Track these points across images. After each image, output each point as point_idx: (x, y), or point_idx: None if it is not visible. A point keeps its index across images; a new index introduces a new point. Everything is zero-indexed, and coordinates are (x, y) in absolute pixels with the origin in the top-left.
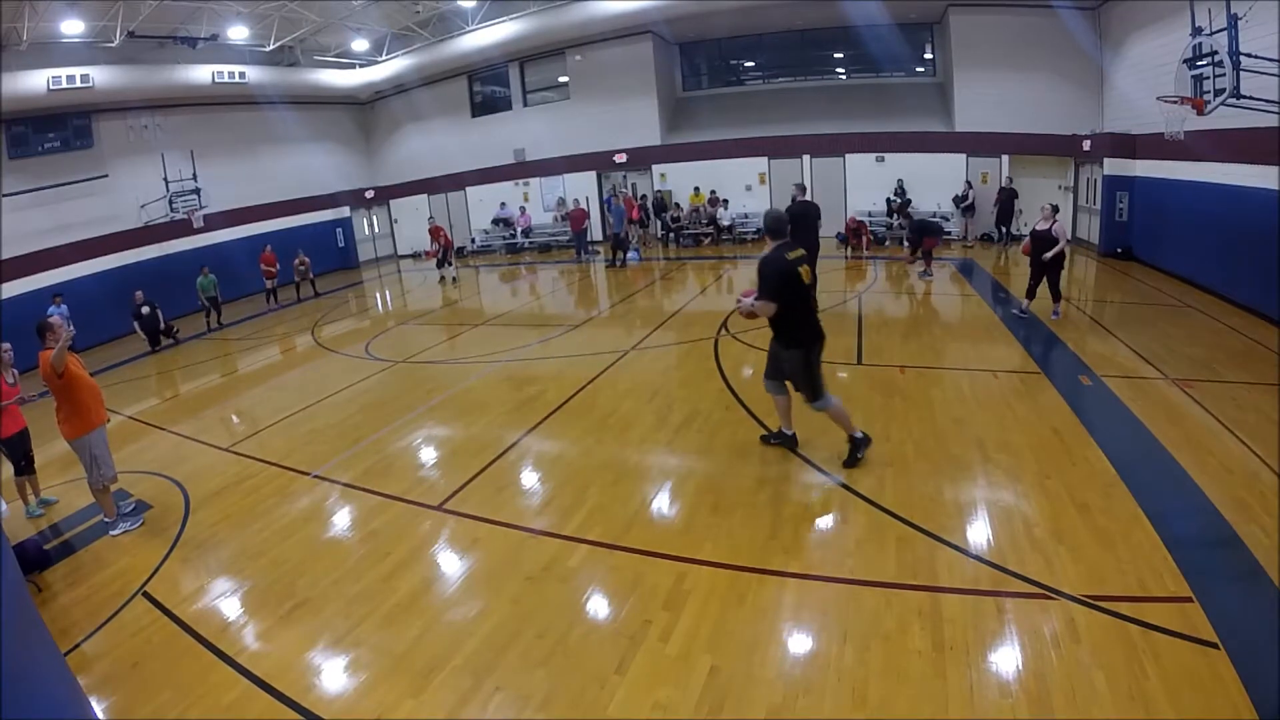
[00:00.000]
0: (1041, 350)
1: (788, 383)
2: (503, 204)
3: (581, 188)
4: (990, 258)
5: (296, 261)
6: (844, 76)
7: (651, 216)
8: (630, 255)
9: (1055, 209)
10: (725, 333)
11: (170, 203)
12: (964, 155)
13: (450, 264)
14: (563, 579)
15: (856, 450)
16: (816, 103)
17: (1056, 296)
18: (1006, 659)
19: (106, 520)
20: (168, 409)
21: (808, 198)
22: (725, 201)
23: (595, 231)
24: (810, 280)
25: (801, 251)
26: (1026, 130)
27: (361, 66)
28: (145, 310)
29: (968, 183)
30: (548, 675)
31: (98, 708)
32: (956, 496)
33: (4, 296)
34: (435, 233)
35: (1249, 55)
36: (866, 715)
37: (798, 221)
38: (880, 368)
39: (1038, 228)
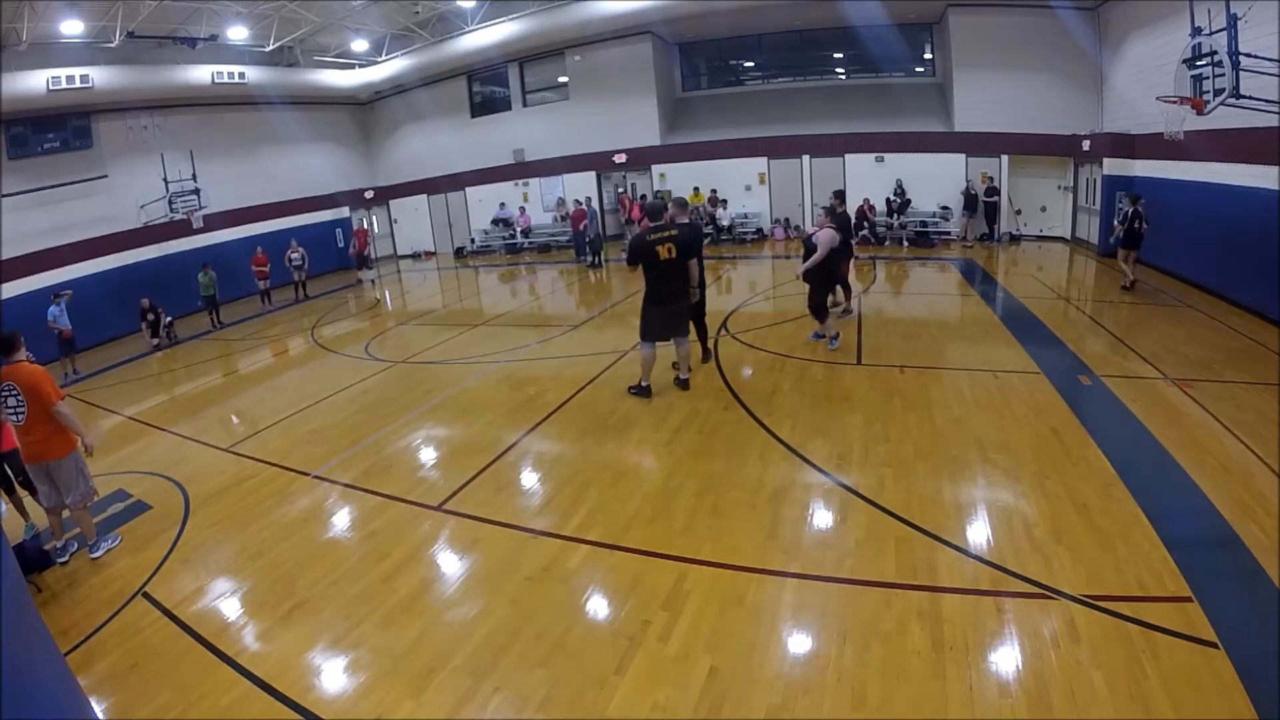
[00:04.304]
0: (1041, 350)
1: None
2: (502, 204)
3: (581, 188)
4: (987, 257)
5: (289, 251)
6: (844, 76)
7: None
8: None
9: (829, 210)
10: (725, 333)
11: (170, 203)
12: (963, 155)
13: (370, 267)
14: (562, 579)
15: (633, 389)
16: (816, 103)
17: (819, 316)
18: (1006, 659)
19: (86, 542)
20: (168, 409)
21: (686, 219)
22: (725, 201)
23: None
24: (673, 255)
25: (669, 233)
26: (1026, 130)
27: (361, 67)
28: (150, 317)
29: (969, 182)
30: (547, 676)
31: (98, 708)
32: (956, 496)
33: (4, 297)
34: (356, 235)
35: (1248, 55)
36: (866, 715)
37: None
38: (880, 368)
39: (808, 231)
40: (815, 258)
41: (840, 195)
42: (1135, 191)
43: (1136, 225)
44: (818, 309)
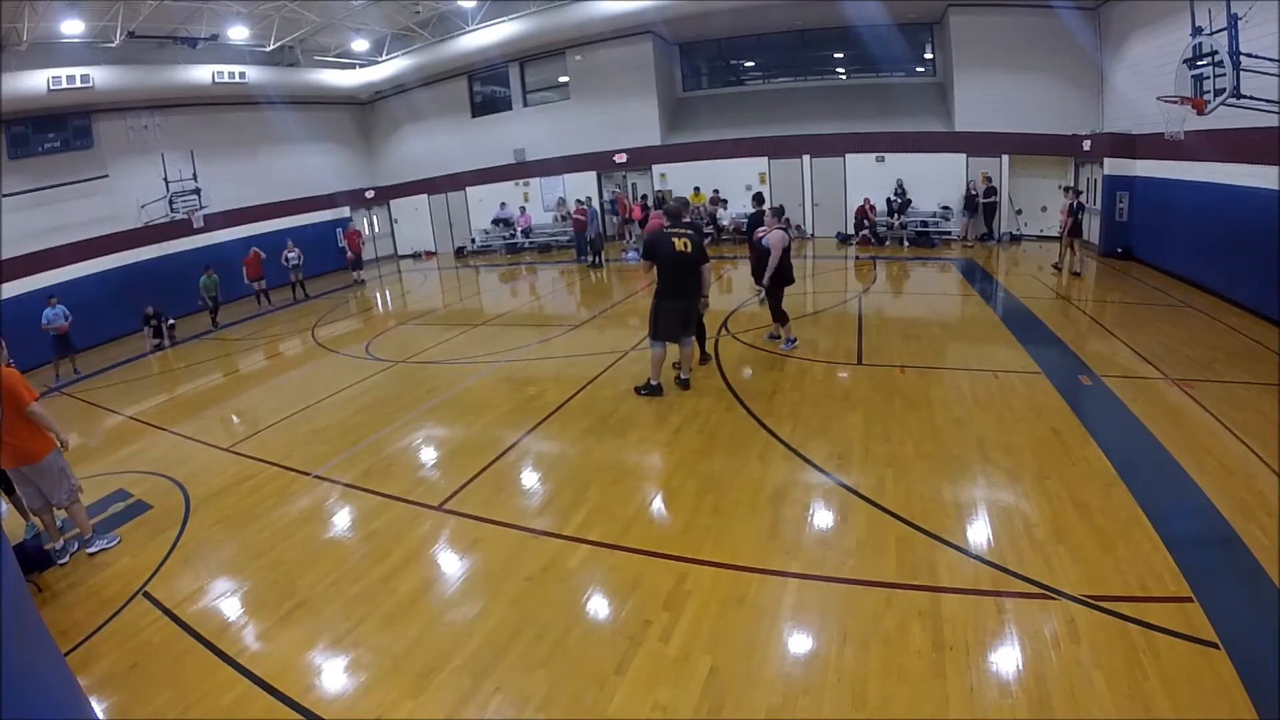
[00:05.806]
0: (1041, 350)
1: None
2: (503, 204)
3: (582, 188)
4: (987, 256)
5: (285, 251)
6: (844, 76)
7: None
8: (629, 255)
9: (776, 212)
10: (725, 332)
11: (170, 203)
12: (964, 155)
13: (359, 268)
14: (562, 579)
15: (642, 389)
16: (816, 103)
17: (777, 318)
18: (1006, 659)
19: (83, 538)
20: (168, 409)
21: (686, 219)
22: (725, 201)
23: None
24: (689, 250)
25: (683, 231)
26: (1026, 130)
27: (361, 67)
28: (155, 324)
29: (970, 183)
30: (547, 676)
31: (98, 708)
32: (956, 496)
33: (4, 297)
34: (348, 236)
35: (1249, 55)
36: (866, 715)
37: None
38: (880, 368)
39: (757, 233)
40: (772, 261)
41: (761, 197)
42: (1078, 186)
43: (1079, 216)
44: (776, 312)
